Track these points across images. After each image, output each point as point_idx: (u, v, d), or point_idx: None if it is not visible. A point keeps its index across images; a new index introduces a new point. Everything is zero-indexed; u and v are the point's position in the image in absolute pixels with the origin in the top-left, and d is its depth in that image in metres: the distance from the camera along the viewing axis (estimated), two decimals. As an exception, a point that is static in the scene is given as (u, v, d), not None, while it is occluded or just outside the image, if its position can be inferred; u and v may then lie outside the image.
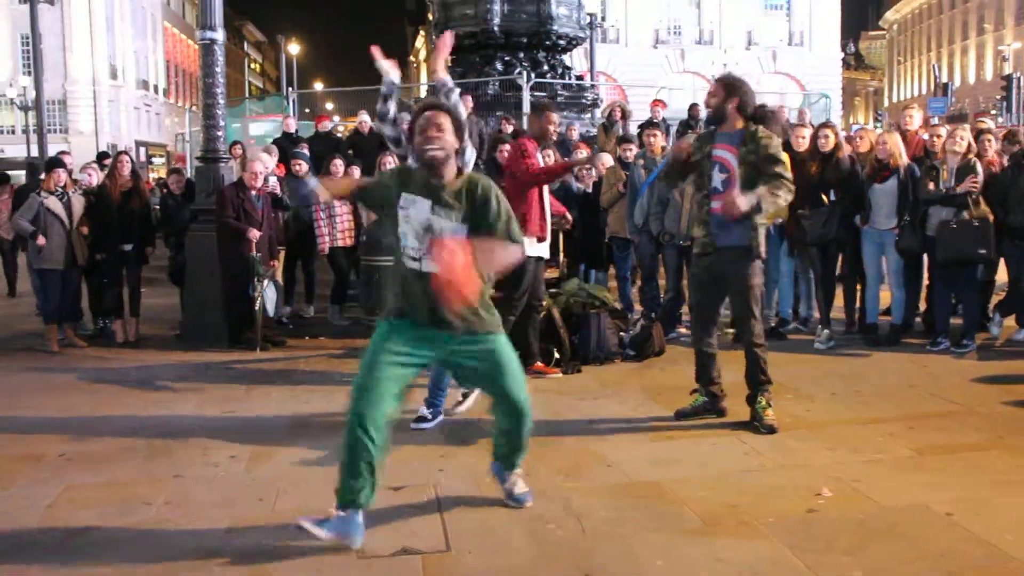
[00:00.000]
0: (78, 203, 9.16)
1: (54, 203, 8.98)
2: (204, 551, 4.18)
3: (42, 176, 14.85)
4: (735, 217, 5.70)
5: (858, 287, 8.87)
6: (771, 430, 5.78)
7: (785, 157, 5.87)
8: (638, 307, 9.40)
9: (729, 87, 5.91)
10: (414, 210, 4.18)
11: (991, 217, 7.90)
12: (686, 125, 13.81)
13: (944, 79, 52.06)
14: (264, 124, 19.85)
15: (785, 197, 5.79)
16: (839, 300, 8.87)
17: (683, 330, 8.92)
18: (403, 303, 4.23)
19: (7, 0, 42.15)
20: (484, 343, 4.28)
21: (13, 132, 47.38)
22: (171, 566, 4.05)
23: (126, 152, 10.37)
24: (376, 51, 5.92)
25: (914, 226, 8.10)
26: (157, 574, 3.99)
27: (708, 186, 5.99)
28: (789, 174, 5.82)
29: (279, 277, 9.49)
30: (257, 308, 8.64)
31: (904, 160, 8.25)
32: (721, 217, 5.81)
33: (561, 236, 9.18)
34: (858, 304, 8.91)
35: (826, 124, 8.85)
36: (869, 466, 5.15)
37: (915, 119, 9.65)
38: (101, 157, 13.06)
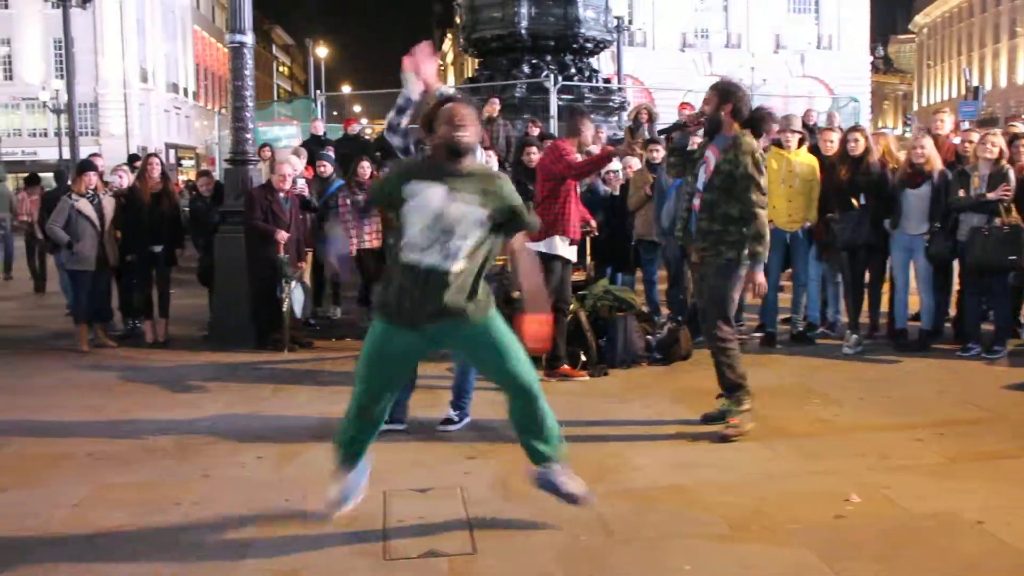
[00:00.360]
0: (109, 205, 9.24)
1: (85, 205, 9.06)
2: (232, 551, 4.20)
3: (68, 182, 15.25)
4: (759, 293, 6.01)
5: (884, 292, 8.80)
6: (721, 437, 5.75)
7: (765, 175, 5.89)
8: (665, 310, 9.35)
9: (722, 93, 5.93)
10: (424, 198, 4.09)
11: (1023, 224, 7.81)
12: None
13: (975, 83, 51.47)
14: (273, 128, 19.89)
15: (760, 230, 5.83)
16: (865, 305, 8.78)
17: (710, 334, 8.88)
18: (398, 300, 4.14)
19: (40, 5, 42.58)
20: (480, 327, 4.23)
21: (46, 135, 47.92)
22: (198, 566, 4.07)
23: (156, 155, 10.45)
24: (408, 61, 5.91)
25: (945, 232, 8.02)
26: (184, 574, 4.01)
27: (693, 185, 6.04)
28: (762, 196, 5.84)
29: (307, 279, 9.52)
30: (285, 309, 8.67)
31: (939, 165, 8.16)
32: (697, 218, 5.94)
33: (588, 239, 9.16)
34: (884, 309, 8.84)
35: (856, 128, 8.76)
36: (898, 472, 5.09)
37: (946, 123, 9.55)
38: (132, 159, 13.20)
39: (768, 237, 5.97)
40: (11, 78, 51.44)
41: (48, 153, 44.60)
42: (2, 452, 5.84)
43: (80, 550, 4.27)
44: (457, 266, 4.09)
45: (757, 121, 5.95)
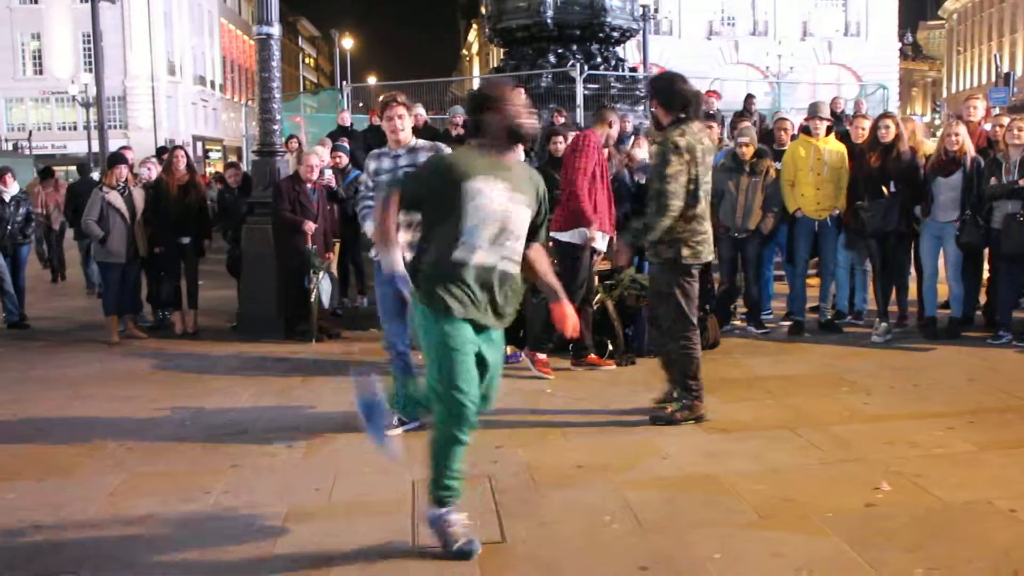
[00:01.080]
0: (139, 197, 9.31)
1: (116, 198, 9.13)
2: (262, 539, 4.23)
3: (91, 174, 15.58)
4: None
5: (913, 280, 8.73)
6: (655, 417, 5.89)
7: (673, 169, 5.61)
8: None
9: (649, 90, 5.91)
10: (488, 197, 3.86)
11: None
12: (740, 116, 13.67)
13: (1006, 69, 50.83)
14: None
15: (660, 220, 5.67)
16: (894, 294, 8.71)
17: (737, 322, 8.85)
18: (472, 299, 3.92)
19: (69, 0, 42.91)
20: (500, 332, 4.17)
21: (75, 128, 48.34)
22: (230, 554, 4.10)
23: (182, 147, 10.49)
24: None
25: (976, 220, 7.93)
26: (216, 562, 4.04)
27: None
28: (669, 187, 5.61)
29: (334, 269, 9.55)
30: (312, 300, 8.70)
31: (972, 153, 8.07)
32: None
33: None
34: (913, 297, 8.77)
35: (887, 115, 8.67)
36: (929, 461, 5.05)
37: (979, 110, 9.43)
38: (160, 152, 13.29)
39: (660, 229, 5.70)
40: (41, 72, 51.91)
41: (77, 146, 44.99)
42: (37, 443, 5.90)
43: (115, 539, 4.31)
44: (515, 268, 4.02)
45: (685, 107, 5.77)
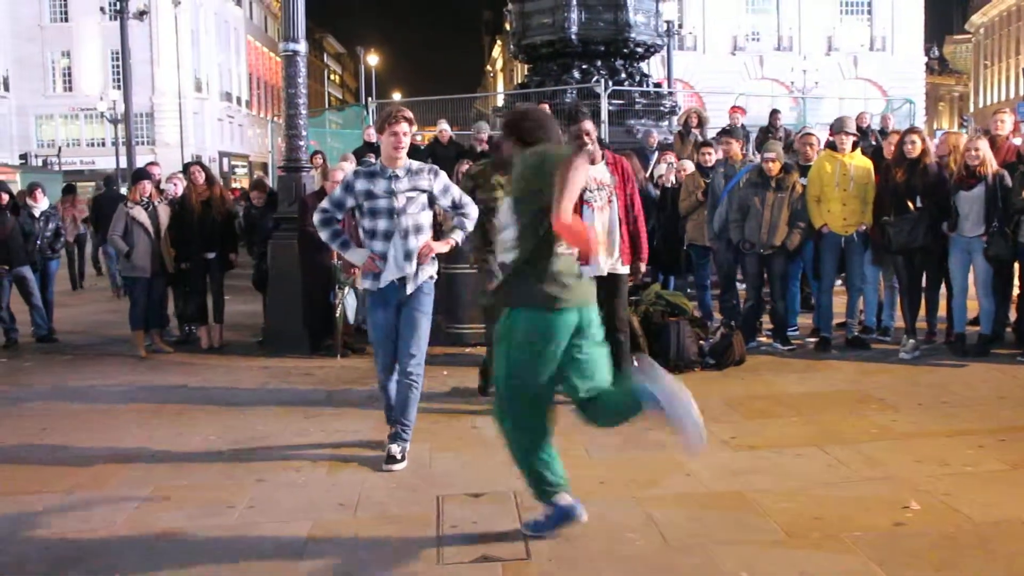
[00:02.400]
0: (163, 213, 9.38)
1: (140, 213, 9.21)
2: (286, 556, 4.23)
3: (115, 186, 16.05)
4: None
5: (942, 297, 8.65)
6: None
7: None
8: (718, 315, 9.28)
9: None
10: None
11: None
12: (766, 132, 13.64)
13: (1033, 83, 50.56)
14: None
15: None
16: (922, 310, 8.64)
17: (763, 339, 8.80)
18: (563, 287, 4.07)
19: (98, 17, 43.36)
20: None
21: (103, 144, 48.78)
22: (254, 567, 4.11)
23: (198, 163, 10.55)
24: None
25: (1004, 233, 7.85)
26: (243, 575, 4.05)
27: None
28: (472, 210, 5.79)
29: (359, 284, 9.57)
30: (338, 315, 8.74)
31: (993, 167, 8.00)
32: None
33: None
34: (941, 313, 8.69)
35: (913, 129, 8.62)
36: (959, 479, 5.00)
37: (1006, 124, 9.35)
38: (186, 167, 13.41)
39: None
40: (70, 89, 52.49)
41: (105, 162, 45.34)
42: (66, 455, 5.95)
43: (142, 551, 4.33)
44: None
45: None
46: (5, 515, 4.84)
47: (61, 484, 5.33)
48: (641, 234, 6.91)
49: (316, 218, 5.69)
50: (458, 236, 5.87)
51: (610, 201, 6.66)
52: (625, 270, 6.84)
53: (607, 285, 6.39)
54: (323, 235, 5.69)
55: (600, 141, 12.63)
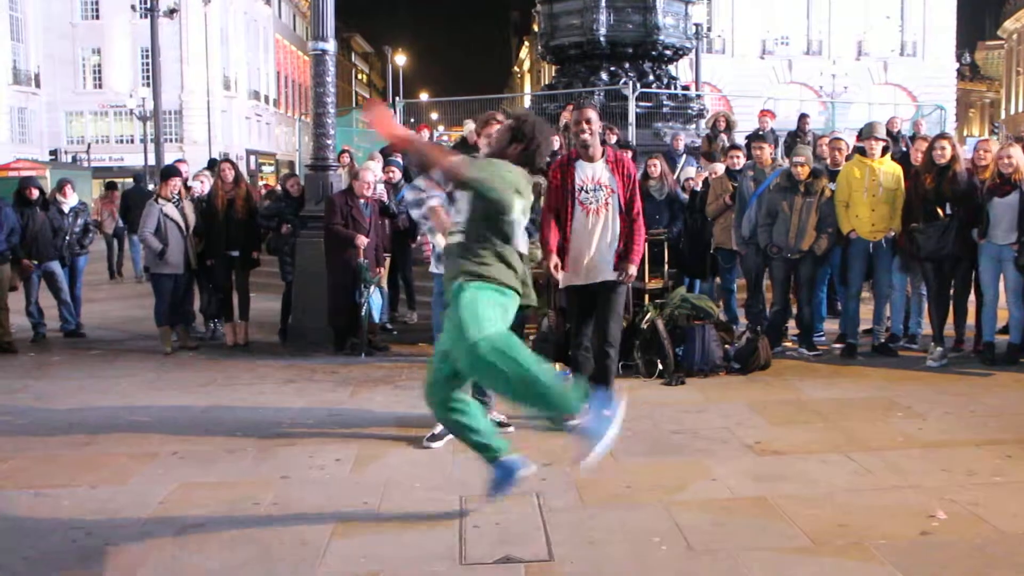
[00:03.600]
0: (189, 210, 9.44)
1: (171, 210, 9.27)
2: (310, 552, 4.25)
3: (142, 183, 16.57)
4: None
5: (971, 304, 8.57)
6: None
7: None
8: (743, 319, 9.24)
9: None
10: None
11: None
12: (794, 136, 13.57)
13: (1066, 90, 50.03)
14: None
15: None
16: (950, 318, 8.56)
17: (789, 344, 8.75)
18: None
19: (128, 16, 43.65)
20: None
21: (132, 141, 49.16)
22: (278, 563, 4.12)
23: (228, 160, 10.60)
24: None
25: (1036, 242, 7.77)
26: (266, 572, 4.06)
27: None
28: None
29: (384, 283, 9.60)
30: (363, 314, 8.76)
31: (1028, 174, 7.93)
32: None
33: (666, 246, 9.08)
34: (970, 322, 8.61)
35: (943, 136, 8.55)
36: (986, 489, 4.95)
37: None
38: (211, 164, 13.50)
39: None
40: (100, 86, 52.89)
41: (134, 159, 45.67)
42: (92, 450, 6.00)
43: (165, 545, 4.36)
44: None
45: None
46: (33, 509, 4.89)
47: (87, 478, 5.38)
48: (635, 236, 6.21)
49: (409, 196, 6.15)
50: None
51: (607, 204, 6.17)
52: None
53: (601, 294, 6.22)
54: (415, 213, 6.16)
55: (627, 143, 12.63)
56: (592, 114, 6.19)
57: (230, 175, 9.68)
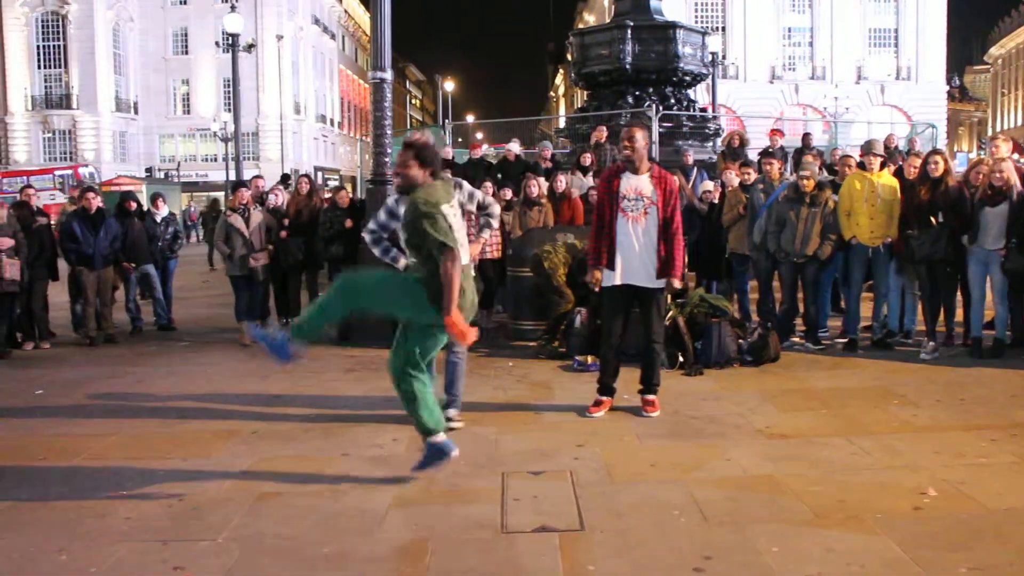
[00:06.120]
0: (256, 218, 9.53)
1: (236, 220, 9.41)
2: (368, 522, 4.29)
3: (221, 195, 17.01)
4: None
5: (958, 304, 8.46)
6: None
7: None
8: (756, 317, 9.17)
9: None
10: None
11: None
12: (800, 152, 13.45)
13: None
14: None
15: None
16: (941, 316, 8.43)
17: (796, 339, 8.67)
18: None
19: (213, 50, 44.12)
20: None
21: (215, 159, 49.76)
22: (340, 532, 4.17)
23: (307, 175, 10.72)
24: None
25: (1022, 248, 7.64)
26: (331, 536, 4.11)
27: None
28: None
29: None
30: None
31: (1018, 186, 7.80)
32: None
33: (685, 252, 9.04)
34: (958, 319, 8.49)
35: (936, 151, 8.46)
36: (973, 469, 4.88)
37: (1001, 149, 9.09)
38: (284, 179, 13.66)
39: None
40: (188, 112, 53.69)
41: (217, 175, 46.30)
42: (181, 428, 6.10)
43: (245, 510, 4.43)
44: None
45: None
46: (132, 479, 4.97)
47: (178, 452, 5.47)
48: (675, 251, 6.08)
49: (367, 238, 5.60)
50: (486, 234, 6.14)
51: (646, 213, 6.07)
52: (660, 284, 6.12)
53: (644, 298, 6.18)
54: (375, 252, 5.62)
55: (651, 159, 12.59)
56: (638, 134, 6.13)
57: (304, 188, 9.80)
